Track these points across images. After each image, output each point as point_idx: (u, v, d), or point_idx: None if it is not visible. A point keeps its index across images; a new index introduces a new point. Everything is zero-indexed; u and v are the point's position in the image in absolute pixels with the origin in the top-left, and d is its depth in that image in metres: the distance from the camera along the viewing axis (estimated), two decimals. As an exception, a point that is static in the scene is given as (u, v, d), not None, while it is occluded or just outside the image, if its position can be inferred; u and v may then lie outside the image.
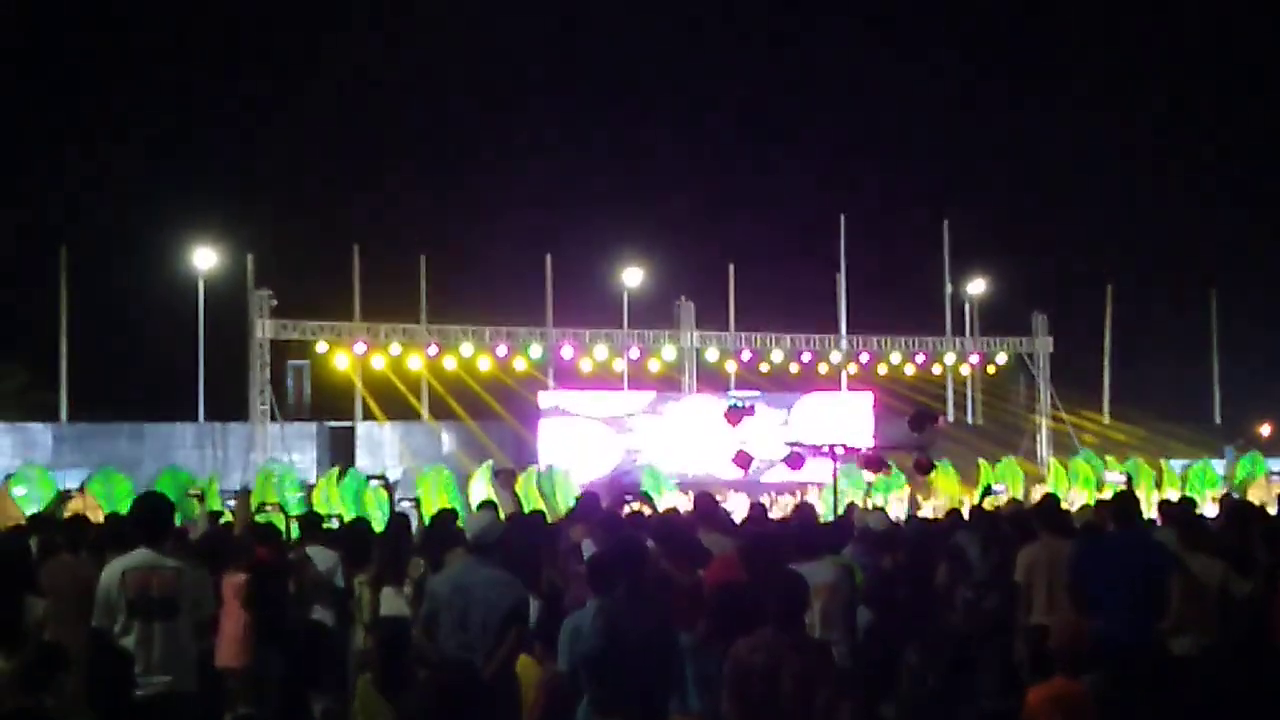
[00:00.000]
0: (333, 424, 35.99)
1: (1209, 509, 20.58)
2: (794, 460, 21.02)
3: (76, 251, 34.83)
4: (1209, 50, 50.61)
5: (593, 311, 38.13)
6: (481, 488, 29.90)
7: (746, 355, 38.12)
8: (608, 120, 50.68)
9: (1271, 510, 17.48)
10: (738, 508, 23.52)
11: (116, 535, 10.05)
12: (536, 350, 36.12)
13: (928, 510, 27.26)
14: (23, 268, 38.32)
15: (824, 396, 38.27)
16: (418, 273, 36.79)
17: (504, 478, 16.73)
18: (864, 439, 33.47)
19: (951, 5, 54.07)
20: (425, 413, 36.66)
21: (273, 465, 32.15)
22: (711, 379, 38.42)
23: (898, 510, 24.38)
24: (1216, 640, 9.88)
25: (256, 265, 34.96)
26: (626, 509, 13.72)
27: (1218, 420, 42.93)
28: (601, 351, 36.82)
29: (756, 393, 35.90)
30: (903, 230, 43.69)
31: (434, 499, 27.68)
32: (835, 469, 19.77)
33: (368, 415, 36.16)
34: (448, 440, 36.56)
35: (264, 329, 34.14)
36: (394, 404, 36.26)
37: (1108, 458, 36.52)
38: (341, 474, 31.48)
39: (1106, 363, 42.50)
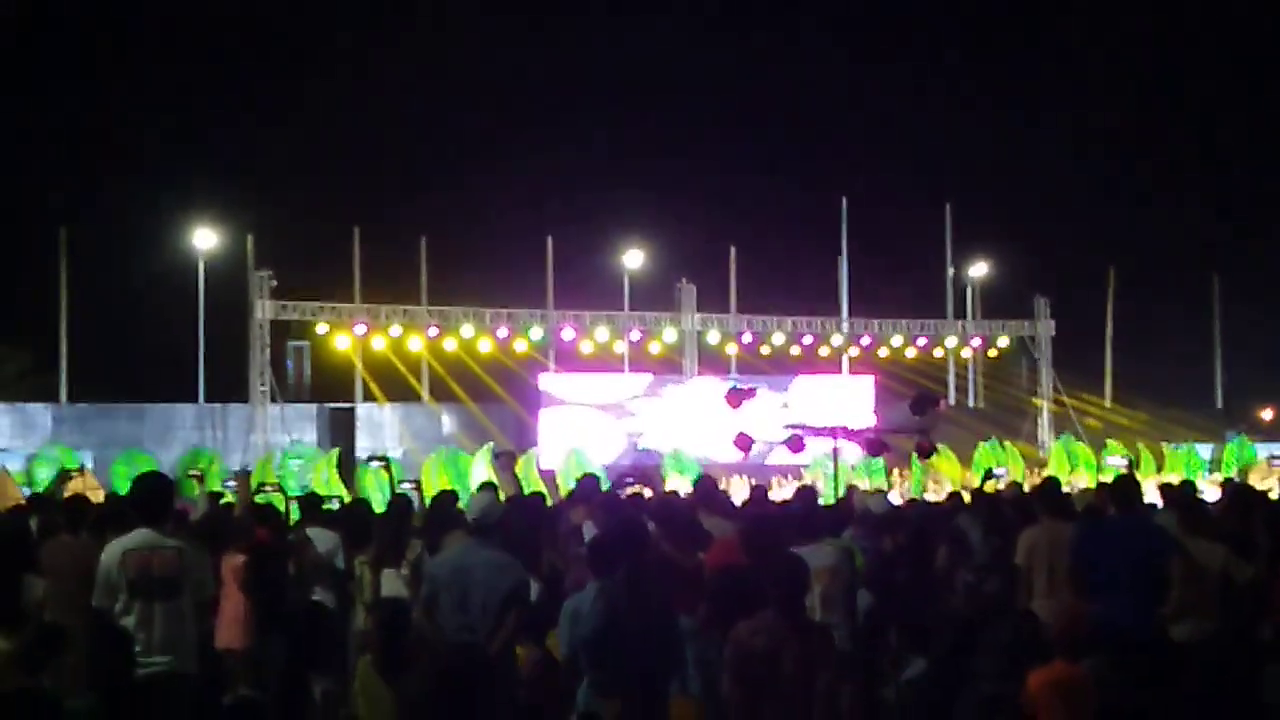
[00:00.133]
0: (333, 405, 35.96)
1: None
2: (794, 443, 21.01)
3: (76, 233, 34.79)
4: (1213, 36, 50.55)
5: (593, 294, 38.10)
6: (482, 469, 29.93)
7: (748, 338, 38.08)
8: (608, 102, 50.63)
9: (1273, 495, 17.48)
10: (736, 491, 23.55)
11: (117, 515, 10.04)
12: (537, 332, 36.09)
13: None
14: (23, 249, 38.29)
15: (822, 379, 38.18)
16: (418, 254, 36.73)
17: (504, 460, 16.76)
18: (865, 422, 33.47)
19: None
20: (425, 394, 36.64)
21: (300, 449, 32.21)
22: (712, 361, 38.38)
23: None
24: (1217, 625, 9.86)
25: (256, 246, 34.91)
26: (627, 491, 13.74)
27: (1220, 405, 42.92)
28: (602, 334, 36.79)
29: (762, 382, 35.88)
30: (905, 213, 43.61)
31: (435, 481, 27.72)
32: (835, 451, 19.76)
33: (368, 397, 36.13)
34: (448, 422, 36.55)
35: (264, 310, 34.10)
36: (394, 385, 36.23)
37: (1109, 441, 36.52)
38: (342, 456, 31.55)
39: (1108, 347, 42.46)
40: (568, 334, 36.50)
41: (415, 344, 35.28)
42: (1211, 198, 48.72)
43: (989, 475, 20.54)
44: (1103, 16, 52.00)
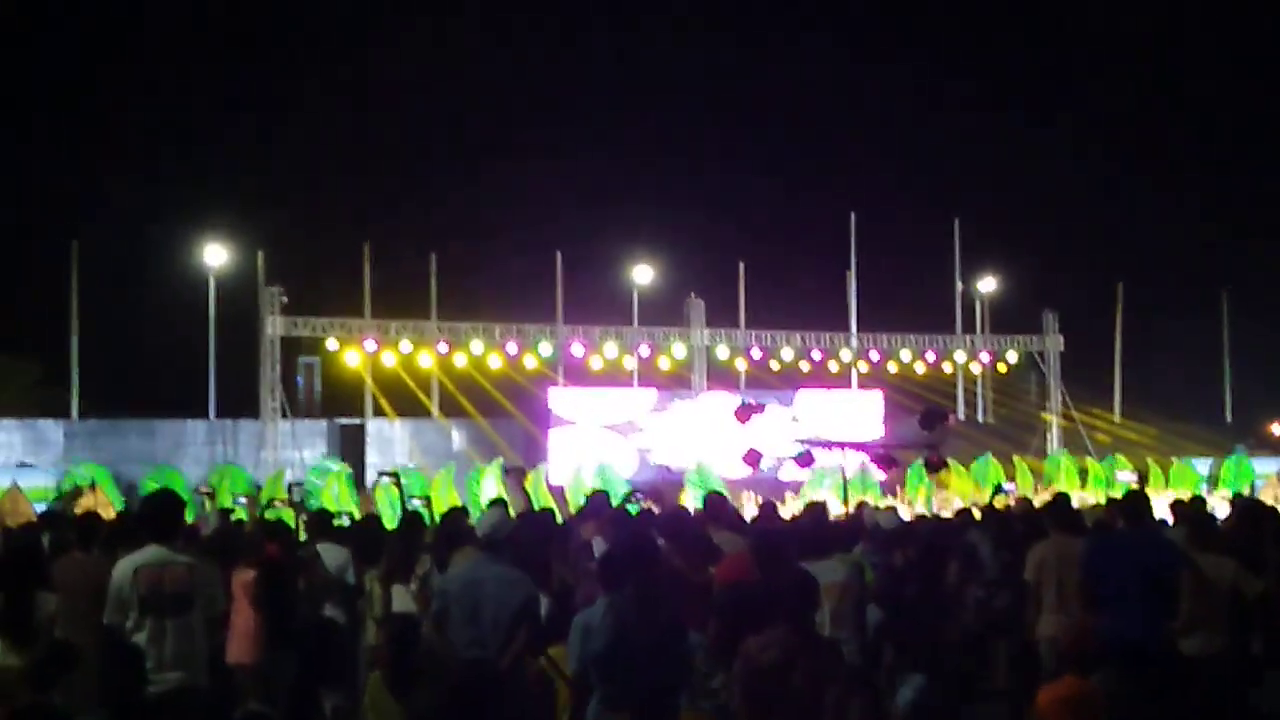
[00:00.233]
0: (343, 421, 36.00)
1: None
2: (804, 458, 21.00)
3: (87, 248, 34.87)
4: (1223, 52, 50.56)
5: (603, 309, 38.14)
6: (492, 485, 29.94)
7: (756, 353, 38.09)
8: (618, 118, 50.73)
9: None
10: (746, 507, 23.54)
11: (128, 532, 10.07)
12: (546, 348, 36.09)
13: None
14: (34, 263, 38.39)
15: (829, 393, 38.14)
16: (428, 270, 36.78)
17: (514, 475, 16.76)
18: (874, 437, 33.48)
19: (965, 5, 54.07)
20: (435, 410, 36.67)
21: (328, 463, 32.21)
22: (721, 377, 38.38)
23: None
24: (1227, 640, 9.85)
25: (267, 262, 34.96)
26: (637, 506, 13.74)
27: (1228, 419, 42.85)
28: (611, 349, 36.80)
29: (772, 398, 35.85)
30: (914, 228, 43.65)
31: (444, 497, 27.73)
32: (844, 467, 19.78)
33: (378, 412, 36.15)
34: (458, 438, 36.55)
35: (275, 326, 34.15)
36: (404, 401, 36.25)
37: (1117, 456, 36.48)
38: (353, 472, 31.58)
39: (1117, 361, 42.42)
40: (577, 350, 36.52)
41: (425, 360, 35.31)
42: (1220, 212, 48.70)
43: (998, 490, 20.49)
44: (1112, 32, 52.08)
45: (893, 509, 17.98)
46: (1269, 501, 21.35)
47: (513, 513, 10.77)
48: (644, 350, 37.31)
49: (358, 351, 34.76)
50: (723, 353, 38.05)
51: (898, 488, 32.80)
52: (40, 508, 23.75)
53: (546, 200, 45.10)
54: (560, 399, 36.46)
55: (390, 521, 16.72)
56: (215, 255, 35.40)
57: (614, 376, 37.38)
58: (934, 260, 41.86)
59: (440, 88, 48.82)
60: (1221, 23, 50.09)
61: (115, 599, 8.59)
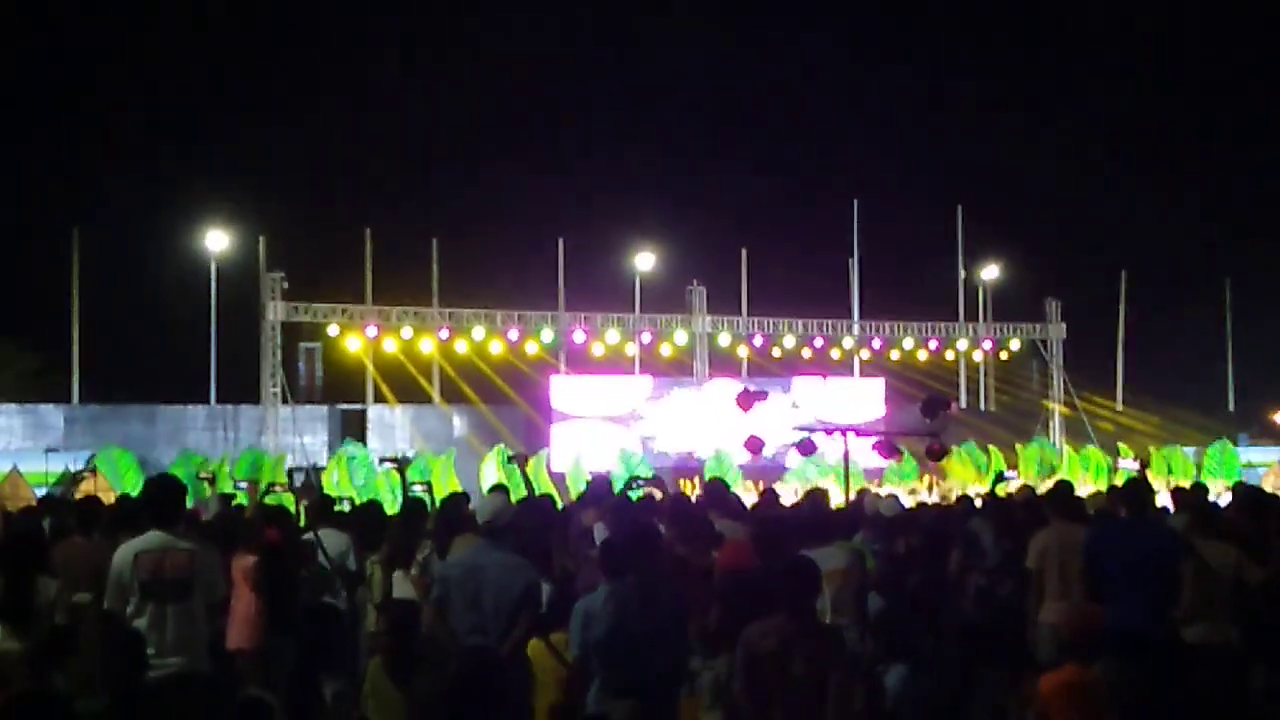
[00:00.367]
0: (344, 407, 36.01)
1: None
2: (805, 445, 20.95)
3: (89, 234, 34.89)
4: (1225, 41, 50.47)
5: (605, 296, 38.15)
6: (493, 471, 29.95)
7: (759, 340, 38.09)
8: (620, 104, 50.65)
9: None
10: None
11: (129, 517, 10.05)
12: (548, 334, 36.09)
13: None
14: (34, 250, 38.37)
15: (830, 381, 38.12)
16: (429, 256, 36.80)
17: (516, 461, 16.73)
18: (876, 424, 33.45)
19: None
20: (437, 396, 36.69)
21: (349, 448, 32.20)
22: (724, 364, 38.38)
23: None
24: (1230, 627, 9.83)
25: (268, 248, 34.97)
26: (639, 493, 13.73)
27: (1231, 408, 42.85)
28: (613, 336, 36.79)
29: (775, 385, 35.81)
30: (916, 216, 43.63)
31: (443, 482, 27.74)
32: (846, 453, 19.70)
33: (379, 398, 36.18)
34: (459, 424, 36.57)
35: (276, 311, 34.14)
36: (405, 387, 36.27)
37: (1120, 445, 36.48)
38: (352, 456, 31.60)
39: (1120, 350, 42.42)
40: (579, 336, 36.52)
41: (426, 346, 35.32)
42: (1223, 201, 48.68)
43: (1000, 478, 20.45)
44: (1115, 21, 51.98)
45: (893, 496, 17.95)
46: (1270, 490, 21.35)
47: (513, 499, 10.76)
48: (645, 337, 37.30)
49: (359, 337, 34.76)
50: (724, 340, 38.06)
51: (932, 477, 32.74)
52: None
53: (549, 186, 45.12)
54: (562, 386, 36.46)
55: (391, 507, 16.71)
56: (216, 241, 35.41)
57: (615, 363, 37.39)
58: (936, 248, 41.88)
59: (443, 75, 48.82)
60: (1226, 17, 50.01)
61: (115, 584, 8.58)
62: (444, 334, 35.20)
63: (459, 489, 20.29)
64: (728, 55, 52.77)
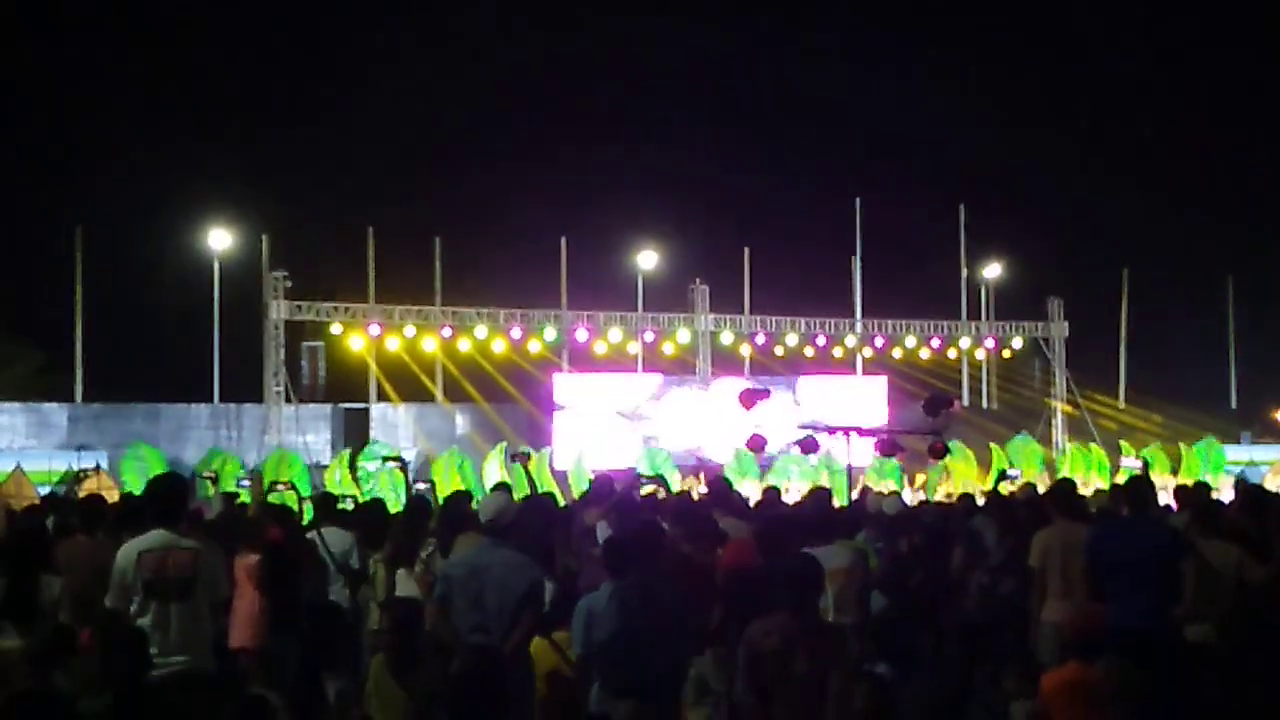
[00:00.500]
0: (347, 405, 36.03)
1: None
2: (808, 444, 20.95)
3: (92, 232, 34.91)
4: (1225, 36, 50.42)
5: (607, 294, 38.14)
6: (495, 469, 29.96)
7: (761, 339, 38.10)
8: (623, 103, 50.65)
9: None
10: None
11: (133, 516, 10.06)
12: (551, 333, 36.08)
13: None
14: (38, 248, 38.39)
15: (831, 380, 38.14)
16: (432, 254, 36.82)
17: (519, 460, 16.77)
18: (878, 422, 33.43)
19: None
20: (439, 395, 36.70)
21: (377, 445, 32.15)
22: (726, 362, 38.39)
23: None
24: (1232, 626, 9.83)
25: (271, 247, 34.98)
26: (642, 492, 13.74)
27: (1234, 406, 42.84)
28: (616, 334, 36.79)
29: (779, 383, 35.79)
30: (918, 214, 43.58)
31: (447, 481, 27.74)
32: (848, 452, 19.71)
33: (382, 397, 36.19)
34: (462, 422, 36.60)
35: (279, 310, 34.15)
36: (408, 386, 36.28)
37: (1122, 442, 36.46)
38: (354, 455, 31.59)
39: (1122, 348, 42.43)
40: (581, 335, 36.51)
41: (429, 344, 35.31)
42: (1225, 198, 48.63)
43: (1002, 476, 20.49)
44: (1115, 17, 51.95)
45: (896, 494, 17.98)
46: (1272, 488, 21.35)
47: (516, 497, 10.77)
48: (648, 336, 37.31)
49: (362, 336, 34.76)
50: (727, 338, 38.05)
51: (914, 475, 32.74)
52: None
53: (551, 185, 45.03)
54: (564, 384, 36.46)
55: (395, 505, 16.74)
56: (219, 240, 35.45)
57: (618, 362, 37.39)
58: (939, 246, 41.87)
59: (445, 73, 48.81)
60: (1225, 13, 49.97)
61: (118, 583, 8.58)
62: (447, 332, 35.19)
63: (461, 487, 20.33)
64: (730, 53, 52.75)
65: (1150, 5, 50.79)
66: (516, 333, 35.64)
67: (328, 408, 36.03)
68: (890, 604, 10.81)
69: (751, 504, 14.74)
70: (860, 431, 19.96)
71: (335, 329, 34.97)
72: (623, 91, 50.71)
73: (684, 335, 37.59)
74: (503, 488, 11.64)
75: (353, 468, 30.38)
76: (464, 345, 35.32)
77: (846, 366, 39.31)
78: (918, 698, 8.81)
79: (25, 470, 27.38)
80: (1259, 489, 14.75)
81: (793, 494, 23.59)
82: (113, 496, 16.62)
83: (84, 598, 9.70)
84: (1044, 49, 53.59)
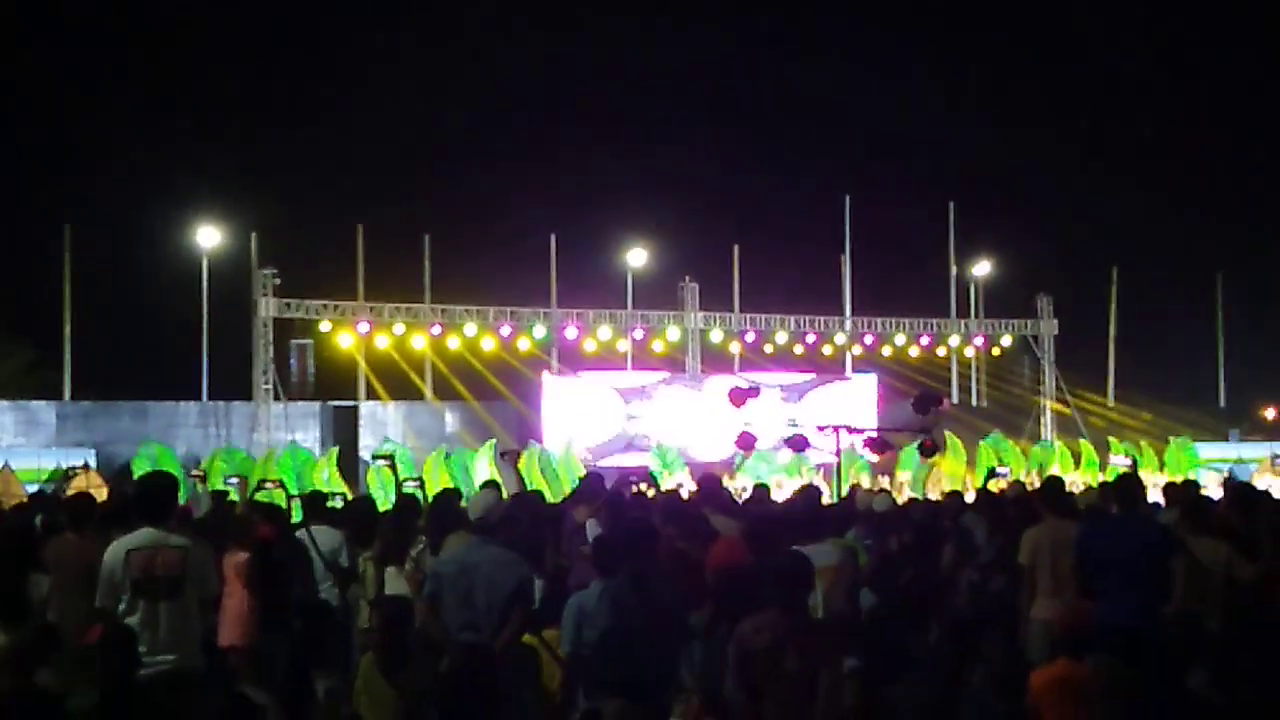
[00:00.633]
0: (336, 403, 35.97)
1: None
2: (797, 441, 20.98)
3: (80, 230, 34.82)
4: (1217, 34, 50.50)
5: (597, 292, 38.11)
6: (485, 467, 29.94)
7: (751, 337, 38.11)
8: (612, 100, 50.60)
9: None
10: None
11: (122, 514, 10.03)
12: (540, 330, 36.08)
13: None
14: (26, 246, 38.28)
15: (825, 387, 38.18)
16: (421, 252, 36.77)
17: (508, 458, 16.75)
18: (868, 421, 33.47)
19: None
20: (429, 392, 36.68)
21: (390, 444, 32.00)
22: (716, 360, 38.39)
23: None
24: (1220, 623, 9.85)
25: (260, 244, 34.95)
26: (632, 490, 13.74)
27: (1222, 404, 42.92)
28: (605, 332, 36.80)
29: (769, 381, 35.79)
30: (908, 212, 43.58)
31: (435, 479, 27.72)
32: (838, 450, 19.74)
33: (371, 395, 36.16)
34: (451, 420, 36.58)
35: (267, 308, 34.08)
36: (397, 383, 36.25)
37: (1110, 439, 36.53)
38: (343, 454, 31.58)
39: (1111, 345, 42.49)
40: (571, 332, 36.51)
41: (419, 342, 35.27)
42: (1215, 196, 48.71)
43: (992, 474, 20.53)
44: (1106, 16, 52.01)
45: (885, 492, 18.00)
46: (1260, 485, 21.40)
47: (505, 495, 10.76)
48: (638, 333, 37.32)
49: (351, 334, 34.72)
50: (717, 336, 38.06)
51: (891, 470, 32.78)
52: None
53: (541, 182, 44.96)
54: (553, 383, 36.45)
55: (384, 503, 16.72)
56: (208, 237, 35.35)
57: (608, 359, 37.39)
58: (928, 244, 41.90)
59: (434, 71, 48.70)
60: (1218, 11, 50.05)
61: (107, 581, 8.55)
62: (436, 330, 35.16)
63: (450, 485, 20.32)
64: (721, 52, 52.73)
65: (1141, 3, 50.88)
66: (506, 330, 35.63)
67: (317, 405, 35.95)
68: (880, 601, 10.80)
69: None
70: (850, 430, 19.97)
71: (324, 327, 34.92)
72: (612, 90, 50.69)
73: (674, 333, 37.60)
74: (491, 485, 11.63)
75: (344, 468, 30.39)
76: (453, 343, 35.29)
77: (836, 364, 39.36)
78: (908, 695, 8.82)
79: (13, 468, 27.35)
80: (1247, 486, 14.80)
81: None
82: (101, 494, 16.60)
83: (72, 596, 9.67)
84: (1034, 47, 53.67)
